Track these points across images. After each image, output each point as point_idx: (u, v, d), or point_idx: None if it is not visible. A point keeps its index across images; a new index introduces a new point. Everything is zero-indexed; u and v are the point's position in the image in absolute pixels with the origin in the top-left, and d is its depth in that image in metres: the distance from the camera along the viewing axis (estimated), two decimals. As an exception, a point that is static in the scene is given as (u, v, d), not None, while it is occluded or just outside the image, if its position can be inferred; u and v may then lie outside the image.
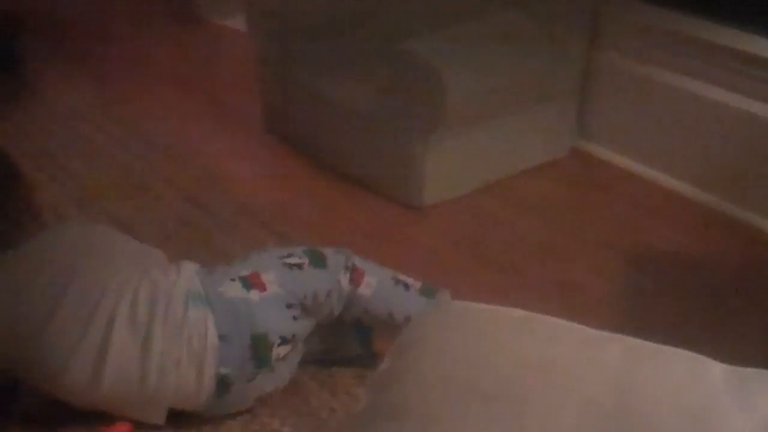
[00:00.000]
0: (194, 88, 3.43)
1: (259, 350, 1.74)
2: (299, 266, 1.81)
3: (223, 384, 1.71)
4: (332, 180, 2.75)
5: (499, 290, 2.23)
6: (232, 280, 1.77)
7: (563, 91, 2.79)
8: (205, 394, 1.72)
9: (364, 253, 2.15)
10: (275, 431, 1.78)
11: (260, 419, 1.80)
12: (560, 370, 0.80)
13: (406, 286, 1.92)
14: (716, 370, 0.85)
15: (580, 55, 2.78)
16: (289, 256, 1.84)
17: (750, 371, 0.85)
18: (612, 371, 0.81)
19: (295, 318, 1.80)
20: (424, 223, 2.55)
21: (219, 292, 1.75)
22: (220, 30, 3.98)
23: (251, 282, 1.77)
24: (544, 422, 0.74)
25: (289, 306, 1.78)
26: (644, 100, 2.75)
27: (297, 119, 2.91)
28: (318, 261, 1.84)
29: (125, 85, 3.49)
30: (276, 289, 1.77)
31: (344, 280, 1.85)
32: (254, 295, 1.75)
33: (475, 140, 2.64)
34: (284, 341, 1.78)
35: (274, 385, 1.81)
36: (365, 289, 1.87)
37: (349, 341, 1.96)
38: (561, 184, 2.79)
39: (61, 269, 1.73)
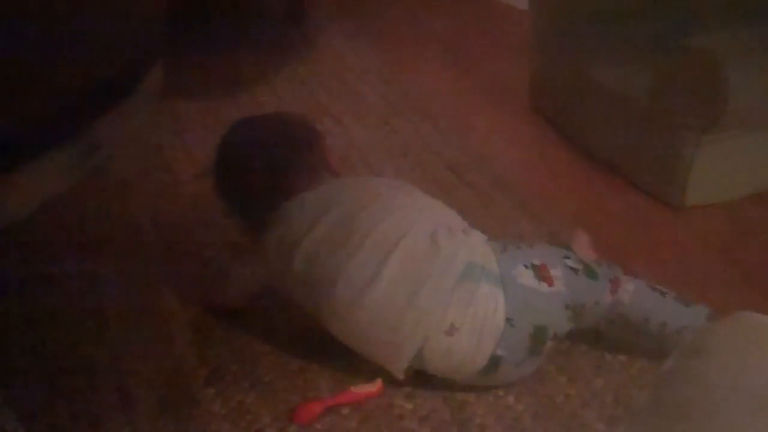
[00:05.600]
0: (466, 62, 3.49)
1: (537, 340, 1.76)
2: (576, 271, 1.82)
3: (494, 363, 1.75)
4: (592, 165, 2.72)
5: (756, 307, 2.12)
6: (525, 267, 1.78)
7: None
8: (474, 369, 1.76)
9: (614, 243, 2.13)
10: (509, 407, 1.80)
11: (495, 391, 1.83)
12: None
13: (663, 293, 1.91)
14: None
15: None
16: (567, 258, 1.85)
17: None
18: None
19: (568, 319, 1.82)
20: (680, 224, 2.47)
21: (513, 275, 1.76)
22: (500, 7, 3.99)
23: (541, 274, 1.78)
24: None
25: (567, 307, 1.80)
26: None
27: (565, 102, 2.89)
28: (591, 273, 1.85)
29: (402, 50, 3.61)
30: (561, 287, 1.78)
31: (607, 292, 1.86)
32: (543, 287, 1.77)
33: (750, 146, 2.51)
34: (556, 337, 1.81)
35: (531, 371, 1.83)
36: (623, 295, 1.87)
37: None
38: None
39: (354, 197, 1.89)
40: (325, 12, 3.97)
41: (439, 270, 1.74)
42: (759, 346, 0.80)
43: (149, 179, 2.61)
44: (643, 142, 2.56)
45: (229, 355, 1.93)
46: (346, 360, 1.90)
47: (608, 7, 2.75)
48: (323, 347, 1.93)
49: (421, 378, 1.84)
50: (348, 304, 1.76)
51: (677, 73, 2.40)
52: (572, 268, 1.82)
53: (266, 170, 1.97)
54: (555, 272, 1.79)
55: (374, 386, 1.82)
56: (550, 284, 1.77)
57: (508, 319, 1.73)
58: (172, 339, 1.99)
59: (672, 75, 2.42)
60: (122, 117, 1.55)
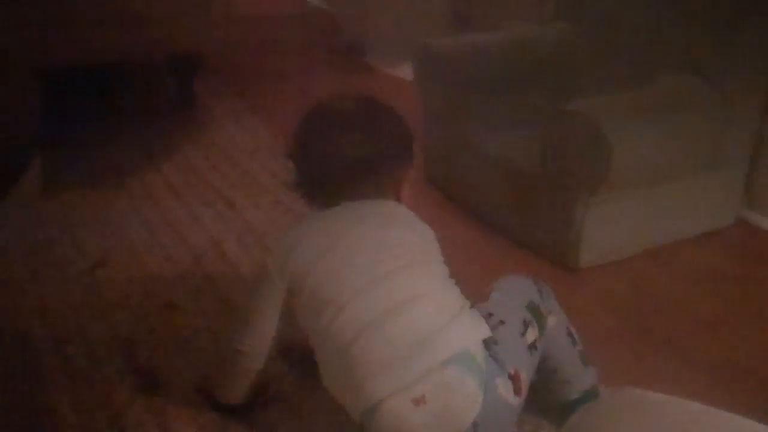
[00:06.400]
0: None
1: None
2: (534, 347, 1.77)
3: None
4: (487, 233, 2.75)
5: (657, 366, 2.15)
6: (508, 377, 1.69)
7: (733, 159, 2.70)
8: None
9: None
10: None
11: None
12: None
13: (573, 342, 1.90)
14: None
15: (753, 122, 2.69)
16: (526, 329, 1.77)
17: None
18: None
19: (514, 423, 1.77)
20: (577, 287, 2.51)
21: (495, 383, 1.67)
22: (389, 79, 4.05)
23: (516, 385, 1.70)
24: None
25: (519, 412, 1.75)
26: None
27: (457, 171, 2.93)
28: (543, 328, 1.81)
29: (292, 126, 3.60)
30: (524, 395, 1.72)
31: None
32: (516, 401, 1.70)
33: (637, 205, 2.58)
34: None
35: None
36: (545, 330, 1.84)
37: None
38: (724, 255, 2.69)
39: (402, 237, 1.84)
40: (214, 92, 3.95)
41: (441, 340, 1.65)
42: (639, 427, 0.79)
43: (38, 278, 2.51)
44: (534, 207, 2.61)
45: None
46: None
47: (488, 78, 2.82)
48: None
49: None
50: (342, 333, 1.68)
51: (561, 138, 2.45)
52: (531, 346, 1.76)
53: (345, 155, 1.90)
54: (523, 376, 1.71)
55: None
56: (520, 396, 1.70)
57: (474, 423, 1.64)
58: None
59: (556, 140, 2.47)
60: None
